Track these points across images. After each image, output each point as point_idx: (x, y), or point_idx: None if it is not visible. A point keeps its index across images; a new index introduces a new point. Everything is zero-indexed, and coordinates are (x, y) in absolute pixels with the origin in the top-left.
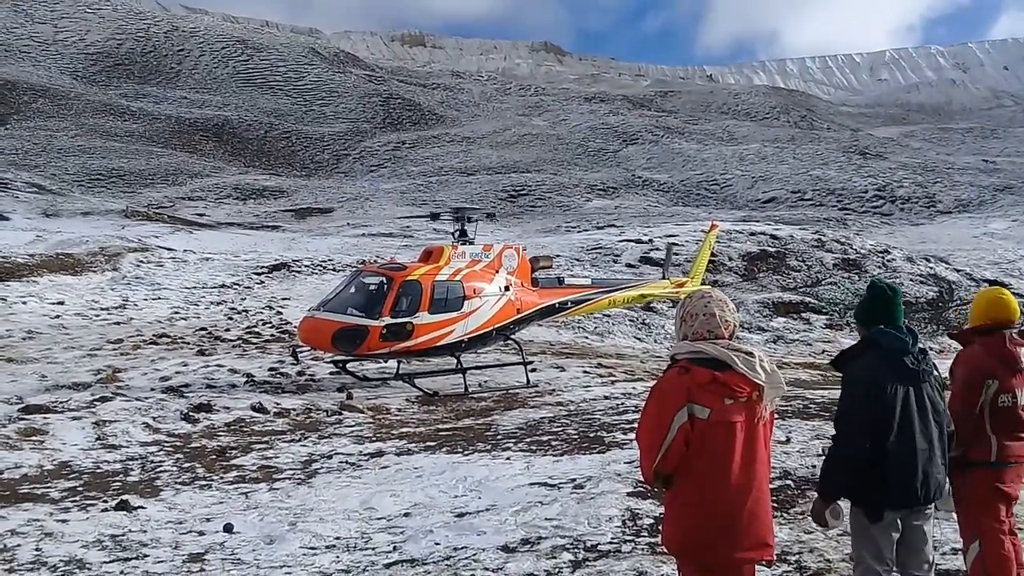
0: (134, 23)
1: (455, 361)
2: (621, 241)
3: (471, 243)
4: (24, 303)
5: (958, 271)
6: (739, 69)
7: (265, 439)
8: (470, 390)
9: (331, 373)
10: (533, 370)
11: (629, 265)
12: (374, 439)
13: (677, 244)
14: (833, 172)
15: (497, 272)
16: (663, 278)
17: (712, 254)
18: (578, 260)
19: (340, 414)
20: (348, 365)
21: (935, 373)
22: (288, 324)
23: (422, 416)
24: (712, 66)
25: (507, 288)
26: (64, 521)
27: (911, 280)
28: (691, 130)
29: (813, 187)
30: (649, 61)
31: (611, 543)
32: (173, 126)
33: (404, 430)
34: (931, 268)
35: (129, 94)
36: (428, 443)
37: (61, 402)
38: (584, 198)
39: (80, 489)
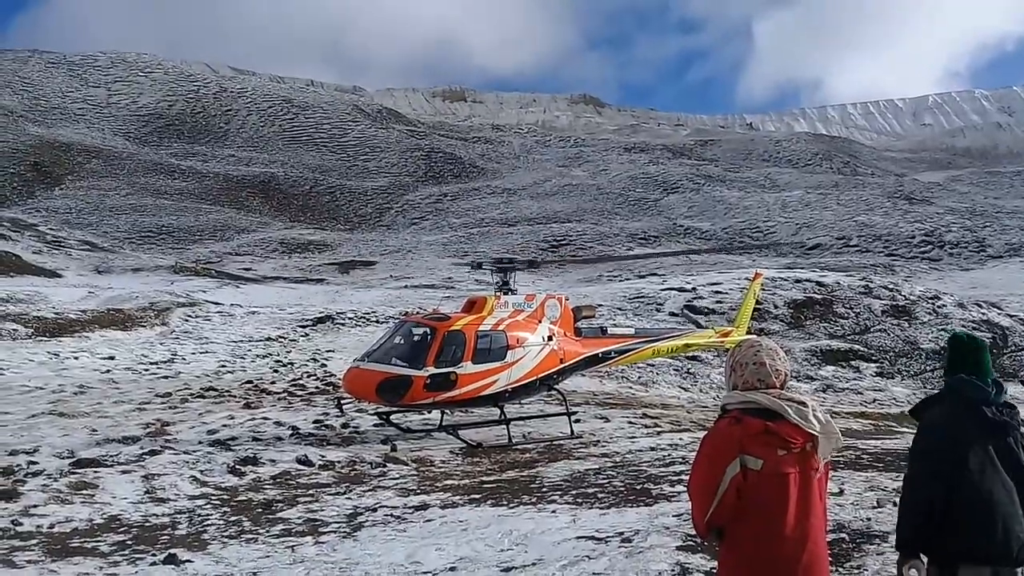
0: (184, 85)
1: (498, 412)
2: (664, 290)
3: (513, 292)
4: (76, 358)
5: (1011, 316)
6: (779, 117)
7: (310, 492)
8: (514, 441)
9: (375, 425)
10: (577, 421)
11: (672, 314)
12: (418, 491)
13: (721, 292)
14: (879, 218)
15: (540, 322)
16: (708, 328)
17: (757, 302)
18: (620, 309)
19: (384, 466)
20: (392, 417)
21: (1022, 429)
22: (332, 376)
23: (466, 468)
24: (751, 114)
25: (550, 338)
26: (114, 575)
27: (963, 326)
28: (732, 178)
29: (859, 233)
30: (688, 111)
31: None
32: (221, 183)
33: (448, 482)
34: (983, 314)
35: (179, 153)
36: (473, 495)
37: (111, 456)
38: (625, 247)
39: (129, 543)
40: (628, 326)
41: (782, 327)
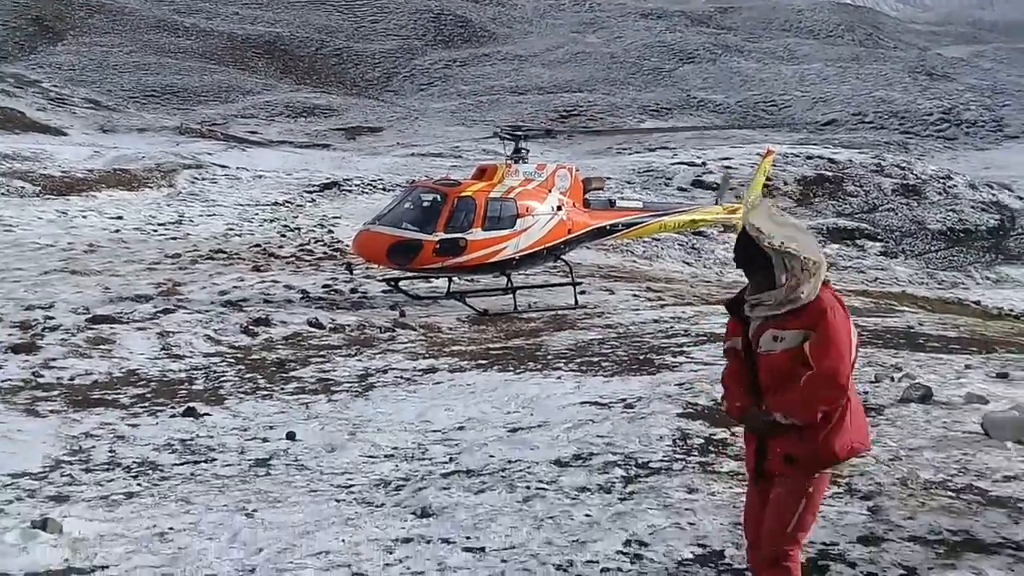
0: None
1: (505, 280)
2: (673, 164)
3: (524, 162)
4: (84, 217)
5: (1021, 199)
6: None
7: (322, 353)
8: (519, 309)
9: (383, 291)
10: (582, 292)
11: (681, 189)
12: (427, 356)
13: (731, 168)
14: (897, 94)
15: (550, 192)
16: (716, 204)
17: (767, 178)
18: (629, 183)
19: (393, 331)
20: (400, 283)
21: None
22: (339, 243)
23: (472, 335)
24: None
25: (559, 208)
26: (135, 425)
27: (972, 208)
28: (750, 48)
29: (875, 109)
30: None
31: (662, 461)
32: (225, 42)
33: (456, 348)
34: (993, 195)
35: (182, 9)
36: (479, 361)
37: (126, 313)
38: (636, 119)
39: (148, 396)
40: (636, 199)
41: (790, 204)
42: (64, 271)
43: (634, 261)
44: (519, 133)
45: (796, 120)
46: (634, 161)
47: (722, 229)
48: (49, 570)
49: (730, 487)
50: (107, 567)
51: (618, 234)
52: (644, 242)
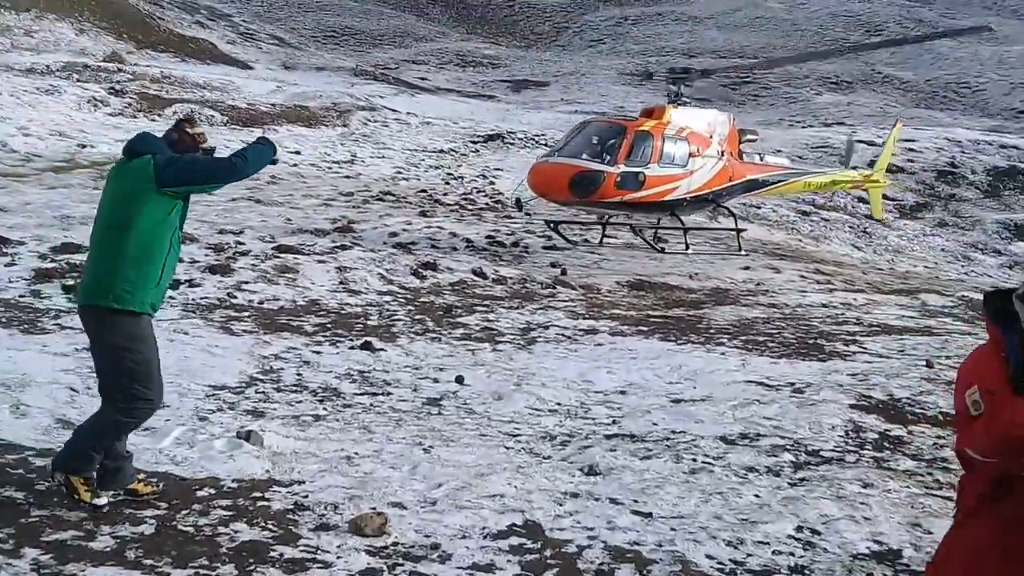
0: None
1: (677, 220)
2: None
3: (686, 105)
4: None
5: None
6: None
7: (486, 303)
8: (690, 249)
9: (544, 248)
10: (746, 268)
11: (856, 168)
12: (587, 316)
13: (915, 151)
14: None
15: (711, 136)
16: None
17: (952, 165)
18: (801, 158)
19: (554, 288)
20: (560, 228)
21: None
22: (501, 195)
23: (632, 300)
24: None
25: (722, 154)
26: (318, 352)
27: None
28: (947, 24)
29: None
30: None
31: (834, 451)
32: None
33: (615, 311)
34: None
35: None
36: (640, 327)
37: (307, 245)
38: (814, 91)
39: (329, 326)
40: (782, 157)
41: (976, 195)
42: (250, 199)
43: (800, 240)
44: (679, 75)
45: (990, 105)
46: (809, 135)
47: (896, 215)
48: (253, 479)
49: (907, 486)
50: (303, 482)
51: (768, 188)
52: (812, 221)
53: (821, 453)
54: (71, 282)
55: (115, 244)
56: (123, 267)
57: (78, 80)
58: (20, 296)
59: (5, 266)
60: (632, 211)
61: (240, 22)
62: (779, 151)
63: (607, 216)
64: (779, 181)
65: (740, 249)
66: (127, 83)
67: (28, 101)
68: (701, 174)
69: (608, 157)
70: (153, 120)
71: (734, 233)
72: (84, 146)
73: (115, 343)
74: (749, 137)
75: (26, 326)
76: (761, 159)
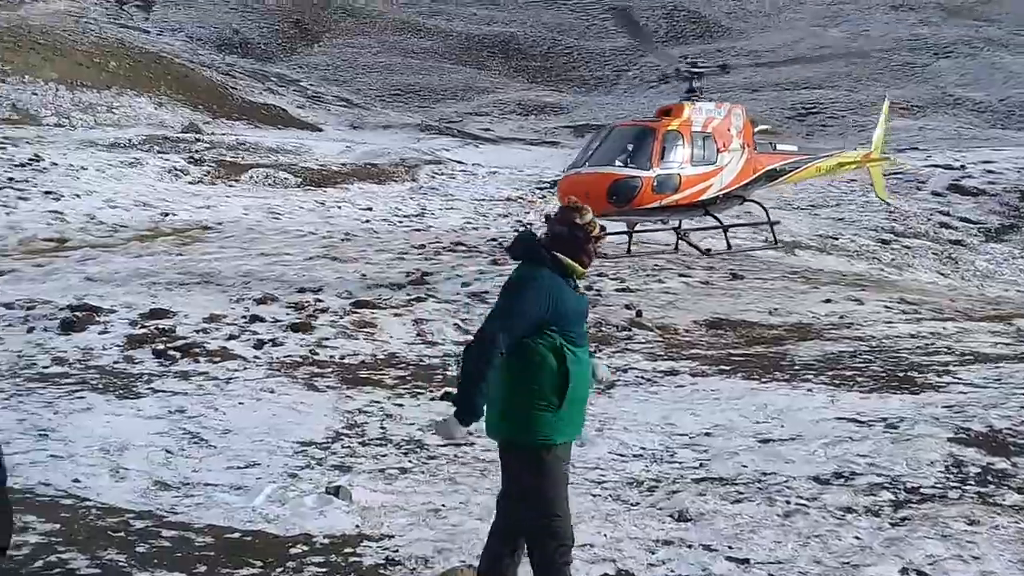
0: None
1: (714, 219)
2: (927, 166)
3: (702, 100)
4: (339, 208)
5: None
6: None
7: None
8: (732, 247)
9: (616, 290)
10: (827, 300)
11: (935, 193)
12: (666, 357)
13: (994, 172)
14: None
15: (731, 130)
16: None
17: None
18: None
19: (630, 330)
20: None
21: None
22: None
23: (711, 339)
24: None
25: (743, 147)
26: (400, 405)
27: None
28: (1017, 42)
29: None
30: None
31: (935, 487)
32: (463, 42)
33: (695, 351)
34: None
35: (424, 11)
36: (721, 367)
37: (383, 299)
38: None
39: (408, 379)
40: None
41: None
42: (325, 257)
43: (881, 269)
44: (696, 70)
45: None
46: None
47: (982, 239)
48: (344, 534)
49: (1016, 522)
50: (392, 536)
51: (785, 176)
52: (893, 249)
53: (921, 490)
54: (161, 347)
55: None
56: None
57: (159, 152)
58: (115, 363)
59: (99, 334)
60: (669, 215)
61: (308, 86)
62: (852, 179)
63: (634, 223)
64: (795, 168)
65: (776, 242)
66: (205, 152)
67: (113, 175)
68: (730, 169)
69: (642, 161)
70: (230, 186)
71: (768, 226)
72: (167, 214)
73: None
74: (761, 127)
75: (121, 391)
76: (774, 148)
